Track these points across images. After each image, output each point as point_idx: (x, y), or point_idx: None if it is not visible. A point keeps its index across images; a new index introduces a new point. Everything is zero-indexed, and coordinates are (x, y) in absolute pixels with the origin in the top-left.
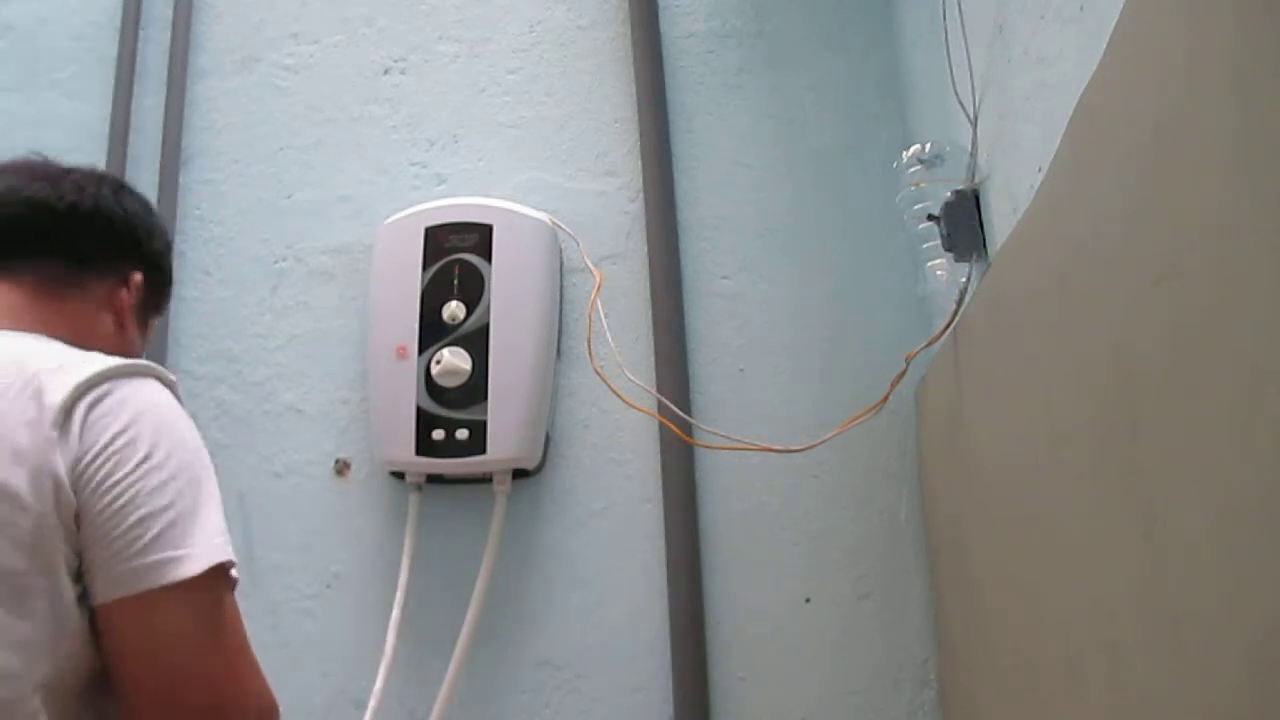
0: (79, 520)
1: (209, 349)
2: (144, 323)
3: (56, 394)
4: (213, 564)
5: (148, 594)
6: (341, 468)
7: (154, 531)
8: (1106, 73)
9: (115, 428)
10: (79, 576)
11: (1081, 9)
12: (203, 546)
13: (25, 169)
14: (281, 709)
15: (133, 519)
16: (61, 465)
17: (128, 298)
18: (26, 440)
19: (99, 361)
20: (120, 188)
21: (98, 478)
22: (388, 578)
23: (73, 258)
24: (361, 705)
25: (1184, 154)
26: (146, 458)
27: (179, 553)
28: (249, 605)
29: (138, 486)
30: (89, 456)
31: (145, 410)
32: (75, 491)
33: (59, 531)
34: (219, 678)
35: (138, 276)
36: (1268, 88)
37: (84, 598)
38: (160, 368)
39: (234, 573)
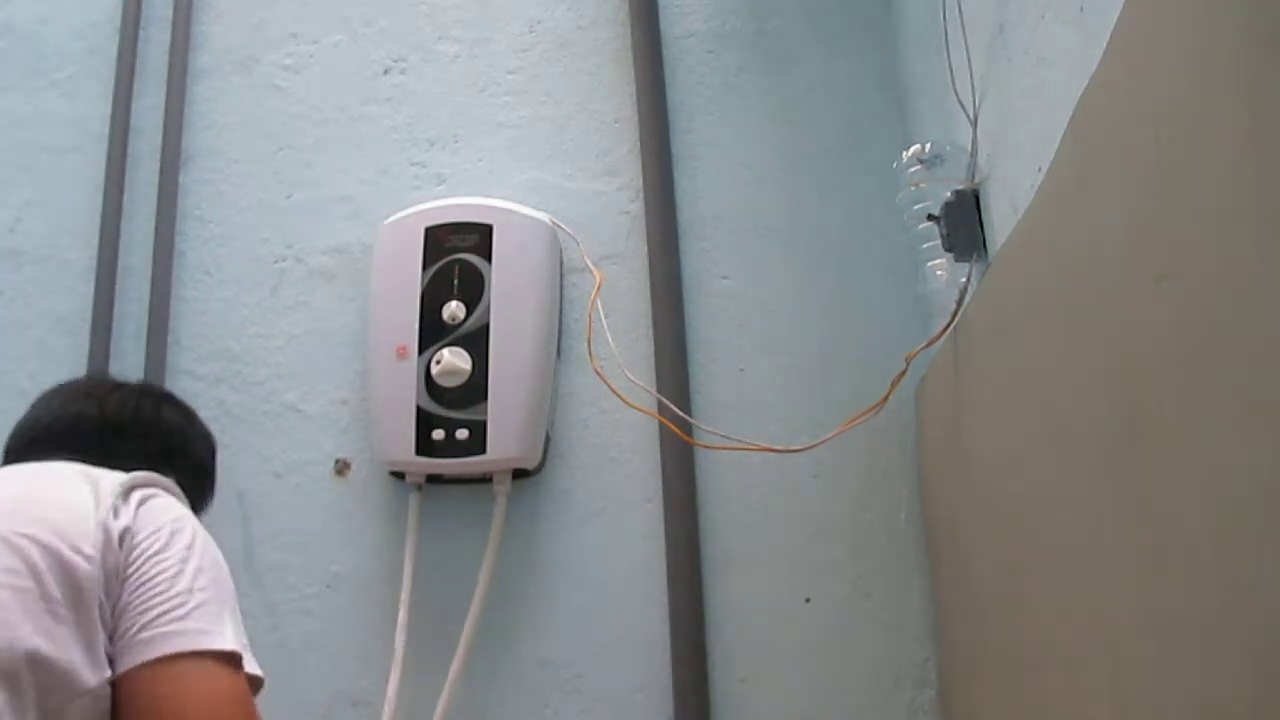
0: (121, 578)
1: (209, 349)
2: None
3: (112, 480)
4: (249, 672)
5: (187, 655)
6: (341, 468)
7: (194, 604)
8: (1106, 73)
9: (165, 518)
10: (110, 638)
11: (1081, 9)
12: (236, 640)
13: (75, 388)
14: (282, 709)
15: (177, 589)
16: (115, 529)
17: None
18: (89, 504)
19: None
20: (164, 399)
21: (149, 547)
22: (388, 578)
23: (106, 462)
24: (361, 705)
25: (1184, 154)
26: (190, 546)
27: (215, 629)
28: (249, 605)
29: (184, 567)
30: (144, 531)
31: (187, 516)
32: (124, 553)
33: (101, 579)
34: None
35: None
36: (1268, 87)
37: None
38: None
39: (257, 673)
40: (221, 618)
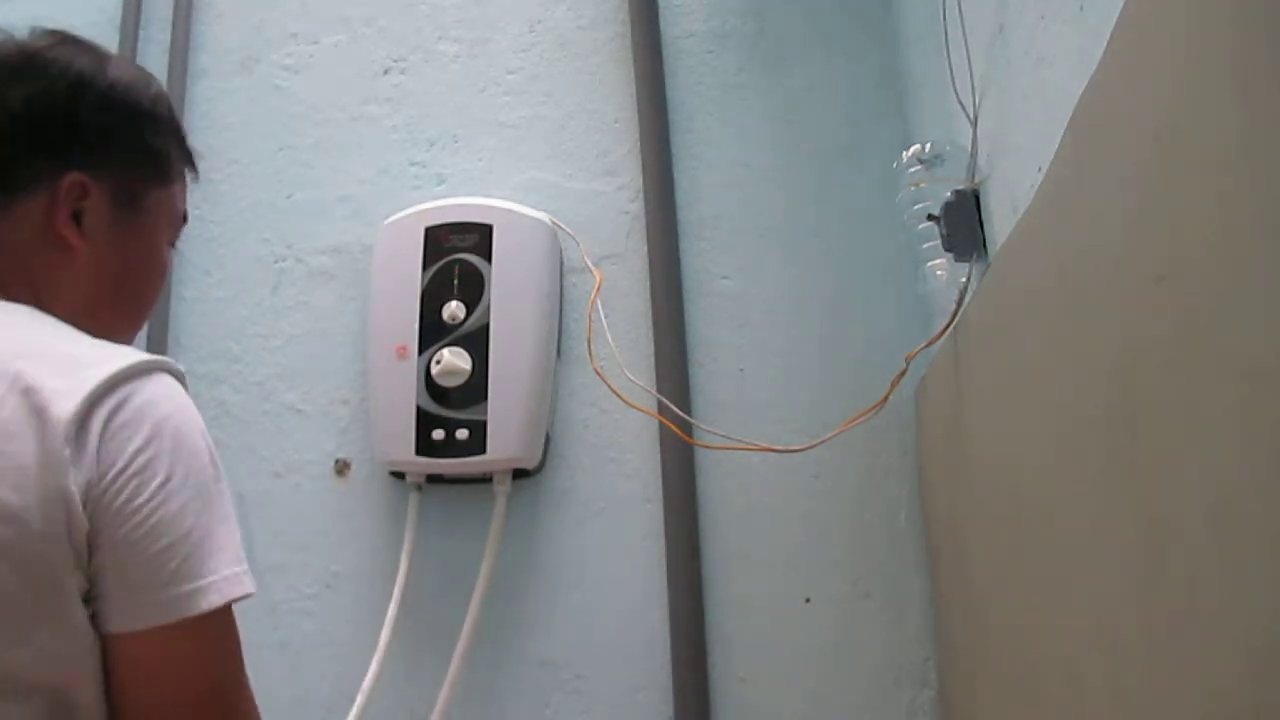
0: (91, 545)
1: (209, 349)
2: (137, 236)
3: (63, 404)
4: (230, 599)
5: (167, 625)
6: (341, 468)
7: (174, 564)
8: (1106, 73)
9: (134, 444)
10: (88, 599)
11: (1081, 9)
12: (224, 571)
13: None
14: (282, 709)
15: (154, 550)
16: (75, 487)
17: (63, 214)
18: (32, 457)
19: (104, 360)
20: (64, 43)
21: (116, 504)
22: (388, 577)
23: None
24: None
25: (1184, 153)
26: (167, 480)
27: (200, 583)
28: (249, 605)
29: (159, 514)
30: (108, 479)
31: (162, 421)
32: (89, 515)
33: (69, 556)
34: (225, 708)
35: (71, 180)
36: (1267, 87)
37: (94, 619)
38: (168, 361)
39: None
40: (206, 560)
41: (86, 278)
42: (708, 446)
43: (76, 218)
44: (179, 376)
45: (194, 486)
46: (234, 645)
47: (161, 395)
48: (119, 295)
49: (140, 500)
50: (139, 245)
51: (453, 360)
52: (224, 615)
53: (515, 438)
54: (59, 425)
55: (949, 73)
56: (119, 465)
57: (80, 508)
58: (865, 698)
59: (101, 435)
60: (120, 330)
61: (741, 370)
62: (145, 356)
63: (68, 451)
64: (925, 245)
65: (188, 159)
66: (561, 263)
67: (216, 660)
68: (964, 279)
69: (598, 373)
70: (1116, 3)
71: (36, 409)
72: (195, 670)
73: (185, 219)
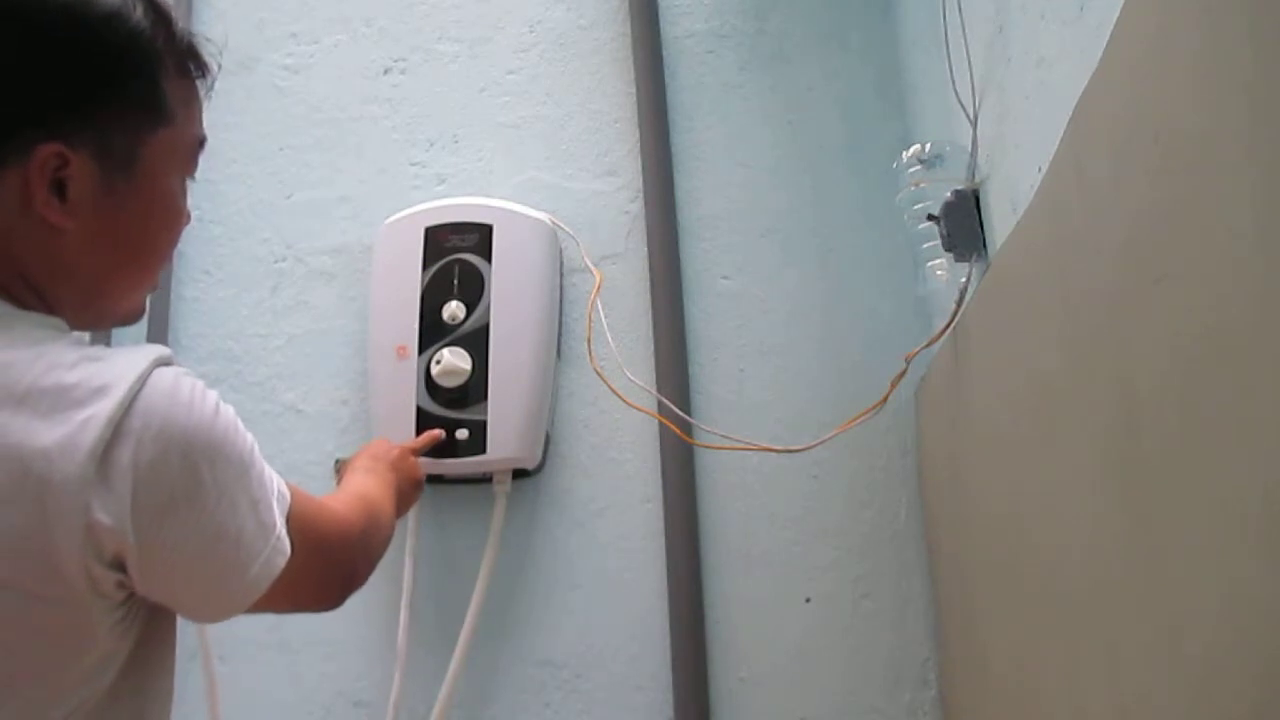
0: (136, 564)
1: (209, 349)
2: (137, 195)
3: (64, 464)
4: (285, 554)
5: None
6: (341, 468)
7: (234, 560)
8: (1106, 73)
9: (163, 485)
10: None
11: (1081, 9)
12: (273, 530)
13: None
14: (282, 709)
15: (213, 568)
16: (103, 550)
17: (41, 193)
18: (36, 524)
19: (93, 393)
20: None
21: (147, 544)
22: (387, 577)
23: None
24: (361, 705)
25: (1184, 153)
26: (203, 506)
27: (260, 559)
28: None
29: (204, 535)
30: (139, 517)
31: (170, 439)
32: (124, 538)
33: (99, 608)
34: (334, 579)
35: (43, 152)
36: (1267, 87)
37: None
38: (153, 348)
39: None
40: (259, 536)
41: (86, 256)
42: (708, 446)
43: (60, 191)
44: (166, 362)
45: (218, 485)
46: (307, 535)
47: (158, 409)
48: (129, 262)
49: (168, 537)
50: (142, 205)
51: (453, 360)
52: (282, 543)
53: (515, 438)
54: (68, 473)
55: (949, 73)
56: (151, 504)
57: (108, 563)
58: (865, 698)
59: (131, 471)
60: (138, 289)
61: (741, 370)
62: (133, 374)
63: (81, 511)
64: (925, 245)
65: (190, 66)
66: (561, 263)
67: (305, 567)
68: (964, 279)
69: (598, 373)
70: (1116, 3)
71: (29, 474)
72: (299, 588)
73: (203, 143)
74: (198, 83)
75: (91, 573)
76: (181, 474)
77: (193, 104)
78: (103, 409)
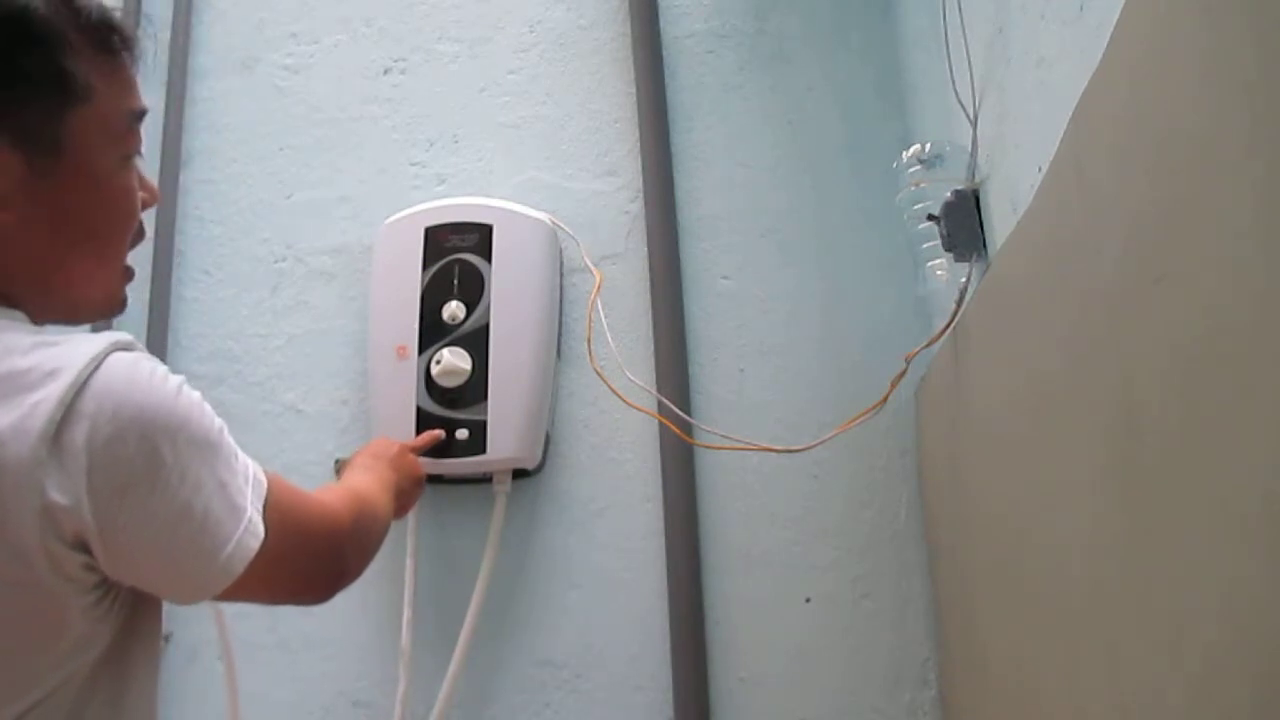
0: (100, 546)
1: (209, 349)
2: (73, 175)
3: (15, 446)
4: (259, 537)
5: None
6: (341, 468)
7: (202, 542)
8: (1106, 73)
9: (119, 468)
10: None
11: (1081, 9)
12: (243, 513)
13: None
14: (282, 709)
15: (179, 548)
16: (63, 533)
17: None
18: None
19: (44, 377)
20: None
21: (106, 527)
22: (387, 577)
23: None
24: (361, 705)
25: (1184, 153)
26: (158, 487)
27: (232, 541)
28: (250, 606)
29: (164, 518)
30: (88, 502)
31: (127, 419)
32: (83, 537)
33: (61, 595)
34: (320, 571)
35: None
36: (1268, 87)
37: (103, 602)
38: (112, 334)
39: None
40: (227, 516)
41: (34, 244)
42: (708, 446)
43: None
44: (126, 347)
45: (181, 465)
46: (286, 522)
47: (116, 390)
48: (80, 244)
49: (129, 519)
50: (79, 185)
51: (453, 360)
52: (258, 528)
53: (515, 438)
54: (22, 454)
55: (949, 73)
56: (108, 485)
57: (70, 544)
58: (865, 698)
59: (87, 455)
60: (101, 273)
61: (741, 370)
62: (87, 356)
63: (39, 503)
64: (925, 245)
65: (110, 40)
66: (561, 263)
67: (279, 577)
68: (964, 279)
69: (598, 373)
70: (1116, 3)
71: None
72: (282, 575)
73: (141, 114)
74: (124, 55)
75: (53, 554)
76: (140, 453)
77: (117, 78)
78: (53, 390)
